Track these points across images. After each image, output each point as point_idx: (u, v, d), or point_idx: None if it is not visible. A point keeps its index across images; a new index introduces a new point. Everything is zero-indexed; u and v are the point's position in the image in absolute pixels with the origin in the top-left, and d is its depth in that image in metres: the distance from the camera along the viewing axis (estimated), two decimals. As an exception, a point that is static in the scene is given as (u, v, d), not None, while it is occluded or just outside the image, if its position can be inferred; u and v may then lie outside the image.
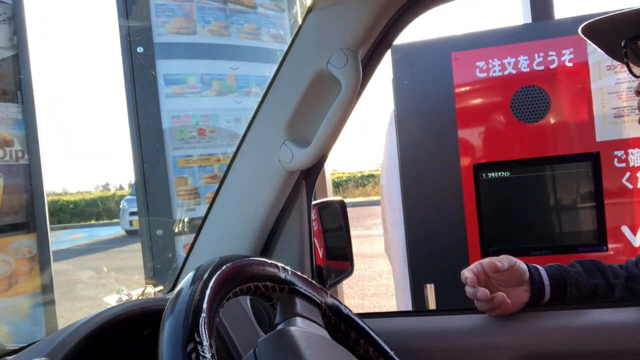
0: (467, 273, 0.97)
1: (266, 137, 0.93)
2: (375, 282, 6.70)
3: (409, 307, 2.10)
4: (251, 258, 0.62)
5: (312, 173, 1.03)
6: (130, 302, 0.73)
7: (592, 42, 0.80)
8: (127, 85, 2.02)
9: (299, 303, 0.65)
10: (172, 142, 2.06)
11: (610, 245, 1.82)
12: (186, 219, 2.10)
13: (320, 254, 1.38)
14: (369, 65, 0.93)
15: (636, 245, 1.80)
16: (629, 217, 1.81)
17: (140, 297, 0.98)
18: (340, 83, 0.86)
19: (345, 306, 0.72)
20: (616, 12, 0.73)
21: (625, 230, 1.81)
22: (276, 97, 0.92)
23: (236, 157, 0.96)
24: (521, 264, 1.00)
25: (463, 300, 0.99)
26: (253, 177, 0.94)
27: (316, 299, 0.67)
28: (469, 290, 0.97)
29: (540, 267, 1.02)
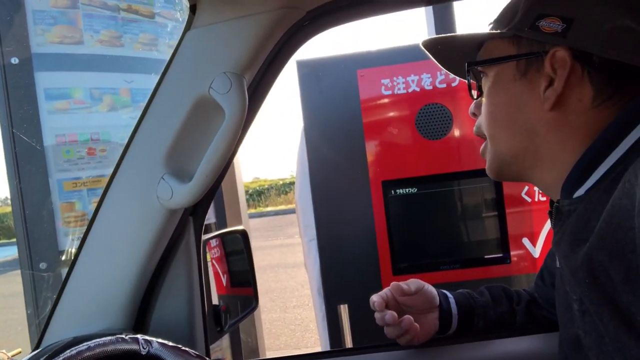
0: (375, 297, 0.96)
1: (141, 171, 0.80)
2: (297, 292, 6.64)
3: (326, 326, 2.04)
4: (103, 338, 0.51)
5: (200, 207, 0.92)
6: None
7: (434, 57, 0.79)
8: (0, 102, 1.77)
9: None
10: (56, 163, 1.83)
11: (513, 255, 1.88)
12: (74, 250, 1.88)
13: (224, 281, 1.28)
14: (257, 91, 0.84)
15: (536, 256, 1.87)
16: (528, 229, 1.88)
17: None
18: (223, 111, 0.77)
19: None
20: (458, 34, 0.75)
21: (526, 241, 1.88)
22: (152, 125, 0.81)
23: (107, 194, 0.82)
24: (430, 287, 0.99)
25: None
26: (127, 218, 0.81)
27: (190, 372, 0.57)
28: (377, 315, 0.94)
29: (450, 296, 1.01)
